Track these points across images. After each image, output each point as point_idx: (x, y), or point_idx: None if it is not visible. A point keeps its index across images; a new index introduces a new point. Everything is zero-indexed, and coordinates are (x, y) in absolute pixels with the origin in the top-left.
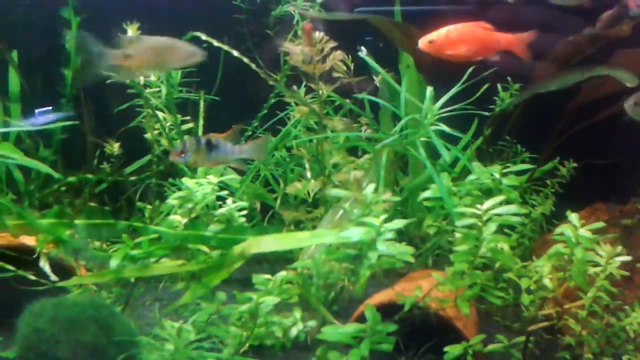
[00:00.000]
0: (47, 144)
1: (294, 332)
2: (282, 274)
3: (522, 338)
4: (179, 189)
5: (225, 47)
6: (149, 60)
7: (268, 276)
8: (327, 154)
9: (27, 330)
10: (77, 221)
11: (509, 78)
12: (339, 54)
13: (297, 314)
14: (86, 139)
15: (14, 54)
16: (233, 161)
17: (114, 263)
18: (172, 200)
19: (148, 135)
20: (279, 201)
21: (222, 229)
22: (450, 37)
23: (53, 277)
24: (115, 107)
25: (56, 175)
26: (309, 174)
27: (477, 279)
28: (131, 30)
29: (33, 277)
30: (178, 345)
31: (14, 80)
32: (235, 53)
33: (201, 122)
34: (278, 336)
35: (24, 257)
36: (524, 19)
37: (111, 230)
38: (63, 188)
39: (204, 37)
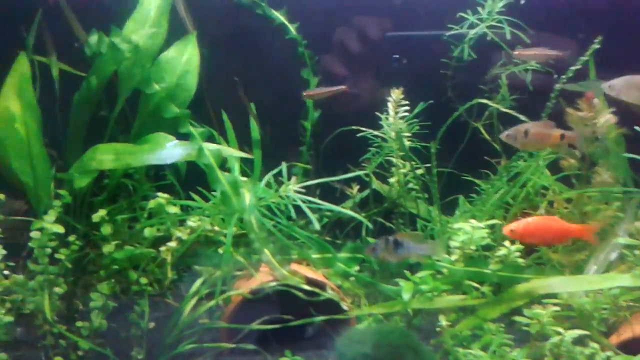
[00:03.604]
0: None
1: None
2: (554, 308)
3: None
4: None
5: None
6: None
7: (539, 310)
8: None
9: (353, 355)
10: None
11: None
12: (610, 117)
13: (595, 344)
14: None
15: (252, 106)
16: (414, 257)
17: (406, 296)
18: (454, 243)
19: (392, 180)
20: None
21: (501, 268)
22: (529, 229)
23: (345, 307)
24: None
25: (363, 220)
26: None
27: None
28: (395, 95)
29: None
30: None
31: (254, 129)
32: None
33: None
34: None
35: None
36: None
37: (400, 263)
38: None
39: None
